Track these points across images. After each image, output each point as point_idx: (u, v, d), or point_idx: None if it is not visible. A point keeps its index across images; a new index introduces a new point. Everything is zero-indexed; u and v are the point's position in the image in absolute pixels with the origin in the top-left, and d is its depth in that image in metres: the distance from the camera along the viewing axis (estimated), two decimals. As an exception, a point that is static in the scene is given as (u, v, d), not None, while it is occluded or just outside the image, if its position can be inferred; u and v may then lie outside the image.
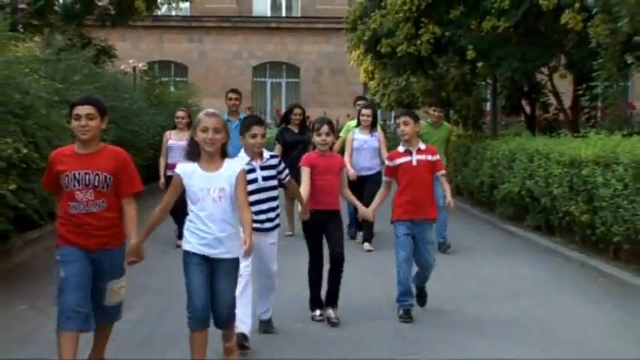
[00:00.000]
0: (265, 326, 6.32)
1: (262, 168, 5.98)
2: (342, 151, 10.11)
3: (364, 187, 9.84)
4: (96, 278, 4.91)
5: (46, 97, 8.95)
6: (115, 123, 13.15)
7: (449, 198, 6.91)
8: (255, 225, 5.61)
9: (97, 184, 4.82)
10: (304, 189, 6.49)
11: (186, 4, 28.06)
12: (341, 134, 10.99)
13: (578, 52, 13.92)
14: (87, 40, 18.55)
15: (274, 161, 6.09)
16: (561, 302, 7.51)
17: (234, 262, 5.06)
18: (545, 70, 16.48)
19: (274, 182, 6.08)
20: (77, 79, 11.93)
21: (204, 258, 4.93)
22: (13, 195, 7.51)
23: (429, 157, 6.76)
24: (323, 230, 6.59)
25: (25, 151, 7.75)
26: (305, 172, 6.58)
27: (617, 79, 12.52)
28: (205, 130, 4.91)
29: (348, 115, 28.35)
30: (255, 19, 36.34)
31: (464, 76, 18.68)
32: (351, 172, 9.77)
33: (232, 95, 11.06)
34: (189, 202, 4.99)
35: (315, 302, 6.73)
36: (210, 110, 5.18)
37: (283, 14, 37.09)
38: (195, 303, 4.87)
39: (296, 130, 11.05)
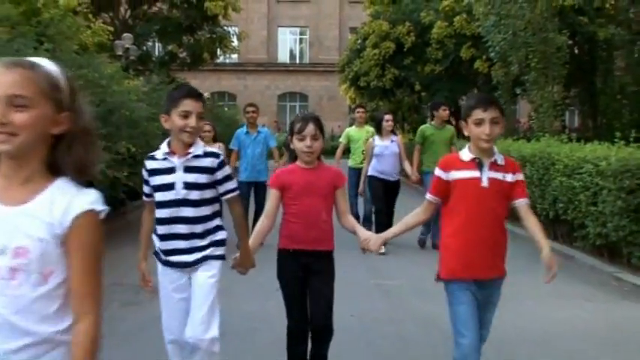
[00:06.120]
0: None
1: (187, 169, 2.56)
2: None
3: (388, 194, 6.64)
4: None
5: (145, 115, 8.95)
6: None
7: (546, 251, 2.65)
8: (168, 257, 2.54)
9: None
10: (265, 221, 2.85)
11: (235, 55, 28.07)
12: (341, 140, 8.26)
13: (485, 87, 14.03)
14: (172, 78, 18.57)
15: (209, 162, 2.57)
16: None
17: None
18: (464, 98, 16.54)
19: (208, 194, 2.60)
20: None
21: None
22: (126, 177, 7.51)
23: (508, 178, 2.61)
24: (305, 281, 2.84)
25: (133, 149, 7.73)
26: (272, 197, 2.85)
27: (510, 104, 12.64)
28: None
29: (339, 126, 28.42)
30: (279, 64, 36.13)
31: (413, 102, 18.71)
32: (360, 189, 7.00)
33: (250, 109, 7.31)
34: None
35: None
36: (10, 59, 1.25)
37: (297, 61, 36.91)
38: None
39: None
